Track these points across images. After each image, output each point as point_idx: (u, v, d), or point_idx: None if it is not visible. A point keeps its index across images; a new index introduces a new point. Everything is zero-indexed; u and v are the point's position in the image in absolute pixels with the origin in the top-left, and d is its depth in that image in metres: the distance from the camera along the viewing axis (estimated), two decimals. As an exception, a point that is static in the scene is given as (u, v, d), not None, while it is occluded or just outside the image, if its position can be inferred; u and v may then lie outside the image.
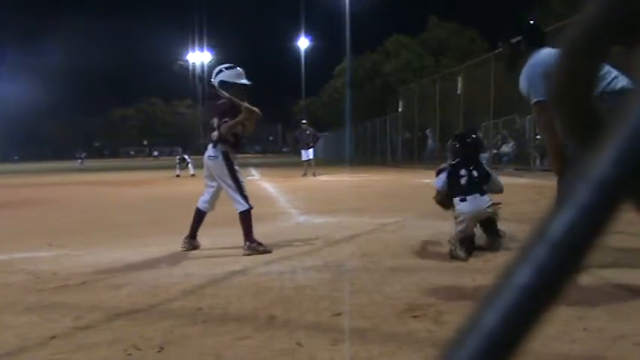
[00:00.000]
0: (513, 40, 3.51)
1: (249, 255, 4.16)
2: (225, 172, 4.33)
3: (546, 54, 3.31)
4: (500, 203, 4.08)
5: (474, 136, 4.37)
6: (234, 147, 4.43)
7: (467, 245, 3.85)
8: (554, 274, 0.27)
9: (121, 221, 6.80)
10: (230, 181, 4.33)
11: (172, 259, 4.14)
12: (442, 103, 21.16)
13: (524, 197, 7.68)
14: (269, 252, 4.22)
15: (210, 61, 55.33)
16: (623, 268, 3.31)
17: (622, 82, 3.00)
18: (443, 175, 4.12)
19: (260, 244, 4.28)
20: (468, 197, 3.93)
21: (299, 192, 10.67)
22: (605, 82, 3.04)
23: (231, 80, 4.40)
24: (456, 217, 3.97)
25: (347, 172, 18.50)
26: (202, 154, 4.68)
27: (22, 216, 7.98)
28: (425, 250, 4.17)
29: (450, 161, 4.22)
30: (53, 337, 2.44)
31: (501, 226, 4.20)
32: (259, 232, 4.48)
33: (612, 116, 0.29)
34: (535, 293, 0.27)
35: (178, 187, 13.09)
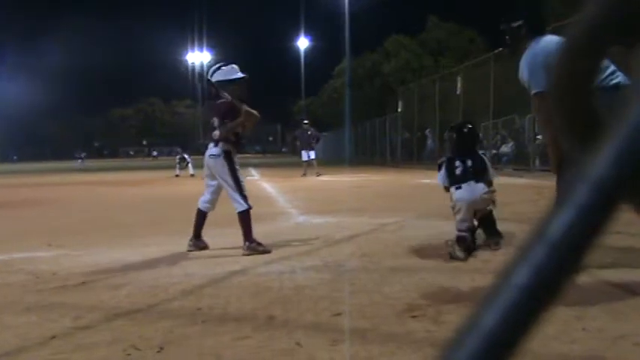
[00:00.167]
0: (514, 25, 3.50)
1: (248, 255, 4.16)
2: (226, 171, 4.33)
3: (547, 42, 3.27)
4: (495, 190, 4.13)
5: (469, 126, 4.41)
6: (235, 146, 4.44)
7: (467, 244, 3.86)
8: (553, 274, 0.27)
9: (121, 221, 6.80)
10: (230, 181, 4.33)
11: (172, 259, 4.14)
12: (442, 103, 21.16)
13: (524, 197, 7.68)
14: (268, 252, 4.22)
15: (209, 61, 55.35)
16: (622, 268, 3.31)
17: (617, 78, 2.97)
18: (442, 169, 4.18)
19: (259, 244, 4.28)
20: (462, 185, 3.99)
21: (298, 192, 10.67)
22: (600, 78, 3.01)
23: (227, 78, 4.41)
24: (453, 208, 4.01)
25: (346, 172, 18.50)
26: (202, 154, 4.68)
27: (22, 216, 7.98)
28: (424, 251, 4.17)
29: (448, 153, 4.29)
30: (53, 337, 2.44)
31: (501, 226, 4.21)
32: (259, 232, 4.47)
33: (607, 113, 0.29)
34: (534, 293, 0.27)
35: (178, 187, 13.09)
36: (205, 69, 4.71)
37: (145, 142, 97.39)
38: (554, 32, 3.60)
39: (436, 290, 3.02)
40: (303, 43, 52.79)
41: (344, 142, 33.93)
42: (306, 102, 51.92)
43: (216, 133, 4.38)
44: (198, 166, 11.44)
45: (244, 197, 4.32)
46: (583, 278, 2.90)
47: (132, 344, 2.31)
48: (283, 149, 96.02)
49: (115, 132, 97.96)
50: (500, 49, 16.40)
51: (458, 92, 19.18)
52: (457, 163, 4.08)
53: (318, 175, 15.88)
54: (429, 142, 22.57)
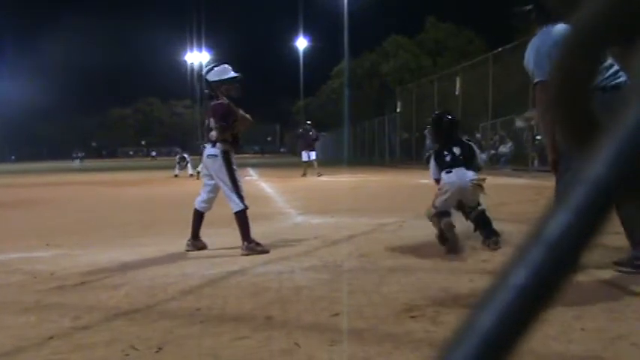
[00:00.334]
0: (526, 8, 3.51)
1: (247, 255, 4.16)
2: (224, 170, 4.33)
3: (554, 32, 3.25)
4: (485, 178, 4.17)
5: (448, 116, 4.43)
6: (233, 146, 4.44)
7: (447, 221, 3.95)
8: (551, 275, 0.27)
9: (119, 221, 6.79)
10: (227, 180, 4.33)
11: (170, 260, 4.13)
12: (440, 103, 21.18)
13: (522, 197, 7.70)
14: (267, 252, 4.22)
15: (208, 61, 55.28)
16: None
17: (620, 78, 2.96)
18: (432, 162, 4.26)
19: (258, 244, 4.28)
20: (453, 169, 4.05)
21: (297, 192, 10.67)
22: (603, 77, 3.01)
23: (220, 77, 4.42)
24: (440, 189, 4.07)
25: (345, 172, 18.50)
26: (201, 154, 4.68)
27: (20, 216, 7.97)
28: (423, 251, 4.17)
29: (431, 145, 4.43)
30: (51, 338, 2.43)
31: (499, 226, 4.21)
32: (257, 232, 4.47)
33: (606, 114, 0.29)
34: (532, 294, 0.27)
35: (177, 188, 13.08)
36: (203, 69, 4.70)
37: (143, 142, 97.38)
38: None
39: (434, 290, 3.02)
40: (301, 43, 52.78)
41: (343, 142, 33.97)
42: (305, 102, 51.89)
43: (213, 134, 4.39)
44: (198, 166, 11.42)
45: (241, 197, 4.32)
46: (581, 278, 2.90)
47: (130, 344, 2.31)
48: (282, 149, 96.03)
49: (113, 132, 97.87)
50: (500, 49, 16.42)
51: (456, 92, 19.21)
52: (445, 152, 4.16)
53: (319, 175, 15.89)
54: (428, 142, 22.57)
